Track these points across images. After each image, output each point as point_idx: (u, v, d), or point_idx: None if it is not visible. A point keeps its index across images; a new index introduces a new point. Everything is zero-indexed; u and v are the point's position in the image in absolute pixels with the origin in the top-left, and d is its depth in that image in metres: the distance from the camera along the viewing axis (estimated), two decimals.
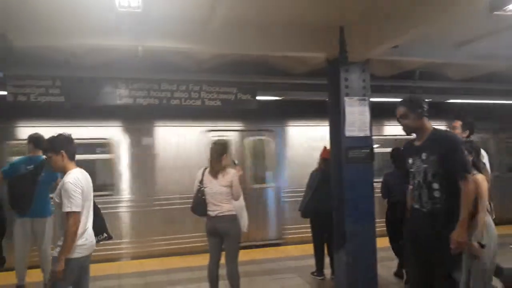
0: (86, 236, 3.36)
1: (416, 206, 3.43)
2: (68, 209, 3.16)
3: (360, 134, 5.10)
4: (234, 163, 5.20)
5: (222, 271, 4.66)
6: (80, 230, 3.27)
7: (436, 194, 3.26)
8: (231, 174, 4.63)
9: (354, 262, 4.97)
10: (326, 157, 5.67)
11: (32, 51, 5.76)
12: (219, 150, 4.74)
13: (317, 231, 5.84)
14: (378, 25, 4.59)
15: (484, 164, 4.00)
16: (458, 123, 4.58)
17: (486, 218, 3.68)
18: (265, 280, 5.75)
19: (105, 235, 3.90)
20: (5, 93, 5.81)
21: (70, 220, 3.16)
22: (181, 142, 7.74)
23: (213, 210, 4.59)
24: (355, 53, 4.97)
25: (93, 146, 7.48)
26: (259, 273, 6.01)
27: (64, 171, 3.37)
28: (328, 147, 5.56)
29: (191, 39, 4.71)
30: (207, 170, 4.72)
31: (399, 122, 3.49)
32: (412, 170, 3.48)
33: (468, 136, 4.52)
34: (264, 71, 7.48)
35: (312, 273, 5.89)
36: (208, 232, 4.69)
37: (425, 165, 3.30)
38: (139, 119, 7.57)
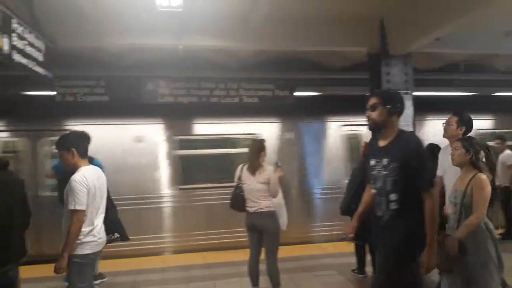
0: (94, 233, 3.37)
1: (379, 213, 3.05)
2: (71, 207, 3.19)
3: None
4: (277, 165, 5.22)
5: (263, 267, 4.68)
6: (87, 228, 3.29)
7: (393, 206, 2.89)
8: (268, 171, 4.63)
9: None
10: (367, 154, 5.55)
11: (77, 52, 6.00)
12: (257, 147, 4.75)
13: (359, 229, 5.74)
14: (420, 16, 4.45)
15: (484, 163, 3.57)
16: (454, 119, 4.11)
17: (487, 224, 3.35)
18: (306, 277, 5.72)
19: (117, 235, 3.93)
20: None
21: (73, 218, 3.19)
22: (320, 136, 7.85)
23: (252, 206, 4.61)
24: (397, 46, 4.85)
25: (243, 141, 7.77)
26: (299, 270, 5.98)
27: (75, 168, 3.38)
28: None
29: (232, 36, 4.76)
30: (246, 166, 4.75)
31: (366, 113, 3.08)
32: (373, 173, 3.09)
33: (465, 134, 4.09)
34: (302, 67, 7.43)
35: (353, 271, 5.79)
36: (247, 227, 4.72)
37: (385, 172, 2.92)
38: (284, 116, 7.76)
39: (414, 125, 5.01)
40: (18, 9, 3.28)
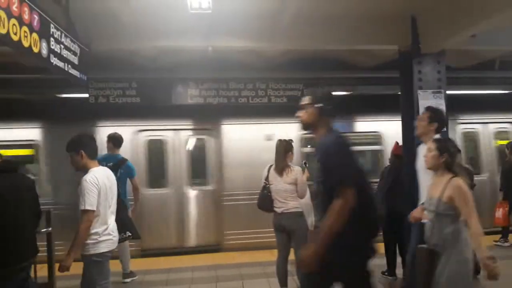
0: (109, 231, 3.46)
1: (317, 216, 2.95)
2: (82, 207, 3.25)
3: None
4: (305, 165, 5.20)
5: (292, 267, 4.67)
6: (101, 227, 3.38)
7: (323, 208, 2.73)
8: (296, 172, 4.62)
9: None
10: (398, 154, 5.44)
11: (110, 55, 6.15)
12: (284, 147, 4.75)
13: (389, 231, 5.64)
14: (453, 13, 4.32)
15: (461, 166, 3.33)
16: (425, 115, 3.90)
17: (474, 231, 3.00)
18: None
19: (128, 233, 3.99)
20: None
21: (83, 218, 3.25)
22: None
23: (279, 206, 4.62)
24: (429, 44, 4.74)
25: (367, 138, 7.93)
26: None
27: (85, 170, 3.44)
28: (400, 142, 5.34)
29: (261, 36, 4.77)
30: (272, 167, 4.75)
31: (297, 113, 2.95)
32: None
33: (437, 130, 3.85)
34: (331, 66, 7.36)
35: (383, 273, 5.70)
36: (275, 228, 4.73)
37: (316, 174, 2.82)
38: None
39: (447, 124, 4.86)
40: (55, 14, 3.39)
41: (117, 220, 3.66)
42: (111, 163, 5.53)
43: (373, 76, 7.51)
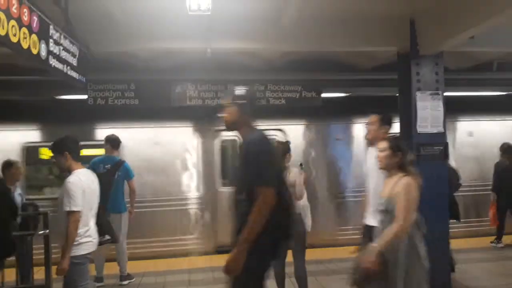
0: (90, 233, 3.47)
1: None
2: (67, 208, 3.26)
3: (433, 130, 4.88)
4: (301, 166, 5.20)
5: (289, 270, 4.66)
6: (83, 229, 3.37)
7: (243, 207, 2.64)
8: (294, 173, 4.62)
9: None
10: None
11: (108, 57, 6.15)
12: (283, 149, 4.75)
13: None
14: (452, 15, 4.34)
15: (413, 166, 3.21)
16: (375, 118, 3.87)
17: (411, 237, 2.97)
18: (333, 280, 5.66)
19: (107, 237, 4.02)
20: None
21: (70, 219, 3.26)
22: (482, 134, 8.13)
23: None
24: (427, 46, 4.75)
25: None
26: (325, 273, 5.93)
27: (69, 171, 3.46)
28: None
29: (261, 38, 4.78)
30: None
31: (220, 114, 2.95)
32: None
33: (387, 132, 3.82)
34: (329, 68, 7.37)
35: None
36: None
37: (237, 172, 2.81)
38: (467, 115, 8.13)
39: (445, 126, 4.88)
40: (54, 15, 3.38)
41: (96, 223, 3.66)
42: (109, 165, 5.53)
43: (371, 77, 7.52)
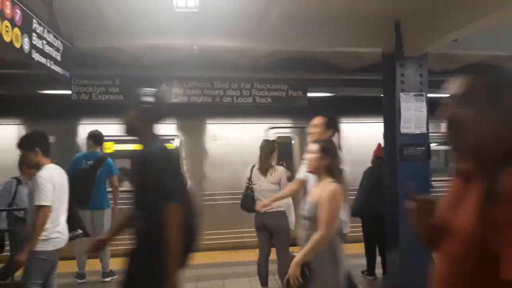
0: (59, 229, 3.45)
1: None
2: (37, 203, 3.25)
3: (416, 131, 4.94)
4: (283, 165, 5.25)
5: (273, 267, 4.69)
6: (52, 224, 3.36)
7: (138, 225, 2.46)
8: (279, 172, 4.67)
9: (407, 263, 4.83)
10: (380, 155, 5.53)
11: (93, 52, 6.08)
12: (269, 147, 4.79)
13: (369, 231, 5.73)
14: (437, 17, 4.40)
15: (342, 170, 3.06)
16: (321, 120, 3.70)
17: (333, 248, 2.83)
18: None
19: (79, 231, 4.03)
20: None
21: (39, 213, 3.25)
22: None
23: None
24: (412, 47, 4.81)
25: None
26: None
27: (38, 167, 3.45)
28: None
29: (247, 36, 4.77)
30: (255, 167, 4.78)
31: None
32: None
33: (331, 136, 3.68)
34: (316, 67, 7.41)
35: (363, 272, 5.78)
36: (257, 227, 4.76)
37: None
38: None
39: (428, 127, 4.96)
40: (37, 9, 3.33)
41: (68, 218, 3.65)
42: (91, 161, 5.48)
43: (357, 78, 7.58)
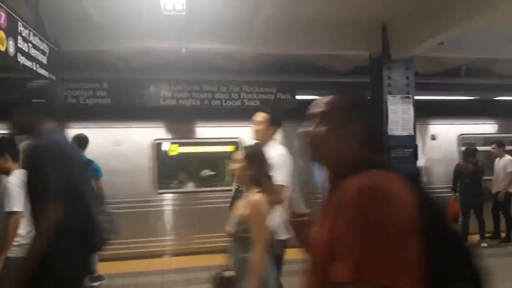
0: (32, 235, 3.40)
1: None
2: (7, 209, 3.19)
3: (403, 133, 4.99)
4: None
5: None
6: (24, 230, 3.23)
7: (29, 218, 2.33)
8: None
9: None
10: None
11: (80, 55, 6.02)
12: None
13: None
14: (423, 21, 4.47)
15: (270, 176, 2.69)
16: (264, 117, 3.37)
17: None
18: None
19: None
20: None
21: (11, 220, 3.19)
22: None
23: None
24: (399, 51, 4.87)
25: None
26: (295, 273, 5.96)
27: (8, 173, 3.39)
28: None
29: (235, 40, 4.79)
30: None
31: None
32: None
33: (276, 132, 3.41)
34: (304, 70, 7.43)
35: None
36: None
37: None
38: None
39: (415, 129, 5.01)
40: (23, 12, 3.30)
41: None
42: None
43: (344, 81, 7.63)
